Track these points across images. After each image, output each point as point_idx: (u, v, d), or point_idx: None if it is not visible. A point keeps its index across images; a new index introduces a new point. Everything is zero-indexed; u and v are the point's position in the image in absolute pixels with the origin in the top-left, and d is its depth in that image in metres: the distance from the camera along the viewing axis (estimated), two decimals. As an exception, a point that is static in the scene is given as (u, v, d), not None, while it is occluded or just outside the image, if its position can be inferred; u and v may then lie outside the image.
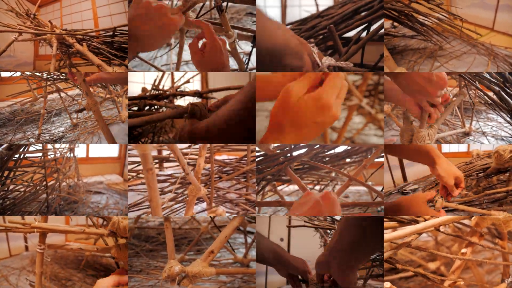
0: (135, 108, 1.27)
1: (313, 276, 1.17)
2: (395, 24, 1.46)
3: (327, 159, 1.68)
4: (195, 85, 1.80)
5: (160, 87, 1.44)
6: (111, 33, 1.45)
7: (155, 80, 1.44)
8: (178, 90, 1.40)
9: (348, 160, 1.70)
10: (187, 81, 1.48)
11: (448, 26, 1.44)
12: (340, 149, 1.69)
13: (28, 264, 1.77)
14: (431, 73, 1.07)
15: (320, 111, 0.75)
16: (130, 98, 1.31)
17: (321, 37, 1.36)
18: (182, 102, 1.39)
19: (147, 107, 1.27)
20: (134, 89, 2.15)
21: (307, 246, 1.61)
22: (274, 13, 2.27)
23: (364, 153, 1.68)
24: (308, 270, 1.16)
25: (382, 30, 1.23)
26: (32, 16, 1.54)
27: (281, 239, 1.86)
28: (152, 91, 1.41)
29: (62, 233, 1.09)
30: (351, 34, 1.33)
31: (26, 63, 1.78)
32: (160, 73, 1.47)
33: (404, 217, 1.08)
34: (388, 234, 1.01)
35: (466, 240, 1.11)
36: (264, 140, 0.80)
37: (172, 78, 1.74)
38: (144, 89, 1.42)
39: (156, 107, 1.28)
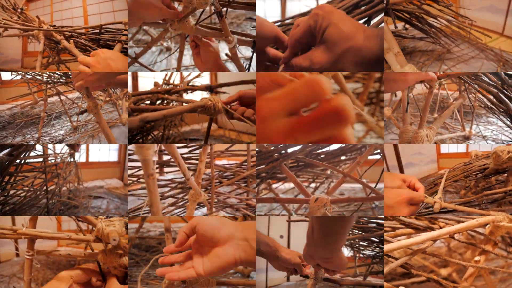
0: (148, 102, 1.25)
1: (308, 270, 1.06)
2: (407, 26, 1.37)
3: (322, 156, 1.60)
4: (203, 80, 1.74)
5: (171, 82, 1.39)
6: (97, 31, 1.36)
7: (166, 75, 1.40)
8: (189, 84, 1.32)
9: (343, 157, 1.62)
10: (198, 76, 1.41)
11: (457, 28, 1.34)
12: (335, 146, 1.61)
13: (18, 270, 1.65)
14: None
15: None
16: (139, 93, 1.26)
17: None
18: (192, 96, 1.33)
19: (159, 101, 1.25)
20: (145, 85, 2.12)
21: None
22: (274, 7, 2.16)
23: (359, 151, 1.59)
24: (298, 263, 1.04)
25: (382, 25, 1.15)
26: (19, 10, 1.42)
27: (281, 236, 1.77)
28: (163, 85, 1.36)
29: (51, 239, 0.98)
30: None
31: (14, 60, 1.66)
32: (170, 70, 1.43)
33: (419, 224, 0.97)
34: (404, 241, 0.92)
35: (480, 248, 1.00)
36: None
37: (181, 75, 1.66)
38: (156, 84, 1.37)
39: (166, 101, 1.25)
